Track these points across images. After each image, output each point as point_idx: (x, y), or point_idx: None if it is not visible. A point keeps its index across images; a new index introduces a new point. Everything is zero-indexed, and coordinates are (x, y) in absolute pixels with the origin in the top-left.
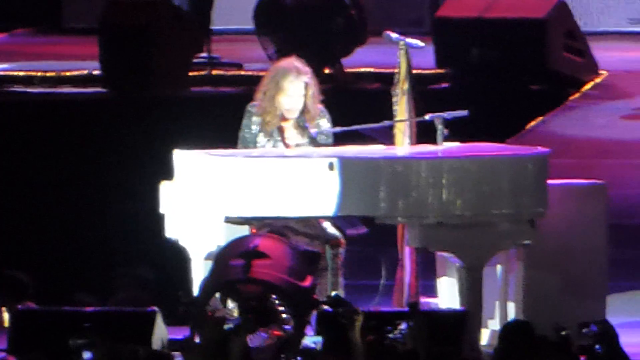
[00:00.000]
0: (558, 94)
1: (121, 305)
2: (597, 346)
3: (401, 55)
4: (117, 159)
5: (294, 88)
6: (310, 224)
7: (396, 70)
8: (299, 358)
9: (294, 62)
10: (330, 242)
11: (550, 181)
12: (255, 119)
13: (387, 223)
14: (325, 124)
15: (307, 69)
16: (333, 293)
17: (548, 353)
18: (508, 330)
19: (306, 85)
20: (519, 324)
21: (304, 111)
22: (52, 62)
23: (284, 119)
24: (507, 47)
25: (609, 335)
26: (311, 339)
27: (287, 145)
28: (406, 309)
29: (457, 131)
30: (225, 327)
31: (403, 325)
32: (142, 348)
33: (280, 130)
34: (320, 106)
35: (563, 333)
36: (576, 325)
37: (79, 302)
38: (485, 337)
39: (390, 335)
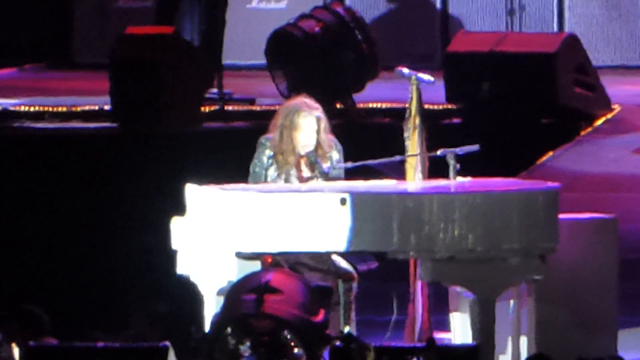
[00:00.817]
0: (569, 129)
1: (133, 341)
2: None
3: (413, 90)
4: (129, 194)
5: (308, 123)
6: (322, 258)
7: (407, 105)
8: None
9: (302, 99)
10: (343, 277)
11: (560, 216)
12: (267, 152)
13: (399, 258)
14: (336, 155)
15: (317, 105)
16: (345, 329)
17: None
18: None
19: (318, 120)
20: (541, 357)
21: (316, 146)
22: (63, 97)
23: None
24: (518, 81)
25: None
26: None
27: (301, 180)
28: (420, 344)
29: (469, 166)
30: None
31: None
32: None
33: (296, 166)
34: (332, 137)
35: None
36: None
37: (95, 340)
38: None
39: None
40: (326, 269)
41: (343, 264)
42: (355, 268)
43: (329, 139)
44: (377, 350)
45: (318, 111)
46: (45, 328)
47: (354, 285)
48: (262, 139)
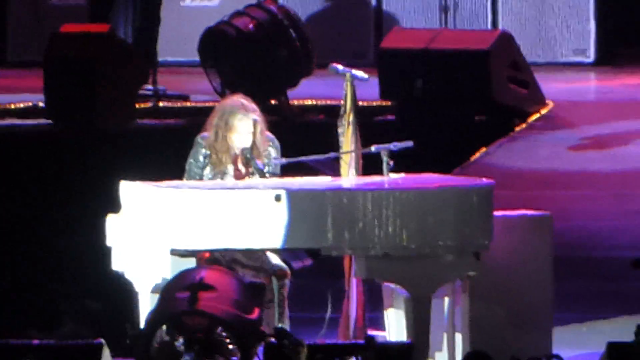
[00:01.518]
0: (503, 125)
1: (67, 339)
2: None
3: (347, 87)
4: (63, 191)
5: (243, 126)
6: (255, 256)
7: (342, 102)
8: None
9: (240, 99)
10: (276, 274)
11: (495, 212)
12: (203, 150)
13: (334, 254)
14: (273, 152)
15: (254, 106)
16: (278, 325)
17: None
18: None
19: (254, 123)
20: (479, 355)
21: (252, 147)
22: None
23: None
24: (452, 78)
25: None
26: None
27: (238, 177)
28: (354, 341)
29: (403, 163)
30: None
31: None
32: None
33: (233, 163)
34: (269, 134)
35: None
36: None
37: (29, 338)
38: None
39: None
40: (259, 266)
41: (276, 260)
42: (289, 265)
43: (265, 138)
44: (311, 348)
45: (255, 113)
46: None
47: (287, 282)
48: (198, 138)
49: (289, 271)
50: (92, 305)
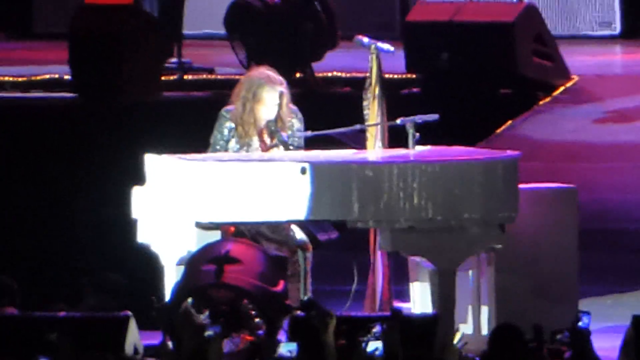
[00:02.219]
0: (527, 98)
1: (91, 311)
2: (567, 353)
3: (372, 59)
4: (88, 163)
5: (271, 98)
6: (279, 229)
7: (367, 75)
8: None
9: (266, 71)
10: (300, 247)
11: (520, 185)
12: (228, 124)
13: (359, 227)
14: (297, 123)
15: (280, 78)
16: (306, 297)
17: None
18: (499, 334)
19: (281, 95)
20: (509, 328)
21: (276, 119)
22: (23, 67)
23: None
24: (476, 51)
25: (582, 341)
26: (286, 347)
27: (264, 149)
28: (379, 313)
29: (428, 135)
30: (206, 333)
31: (377, 329)
32: (112, 355)
33: (259, 135)
34: (292, 106)
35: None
36: (550, 332)
37: (58, 311)
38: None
39: (365, 340)
40: (282, 239)
41: (298, 234)
42: (312, 238)
43: (290, 110)
44: (337, 319)
45: (282, 86)
46: (14, 297)
47: (309, 255)
48: (223, 111)
49: (310, 245)
50: (116, 278)
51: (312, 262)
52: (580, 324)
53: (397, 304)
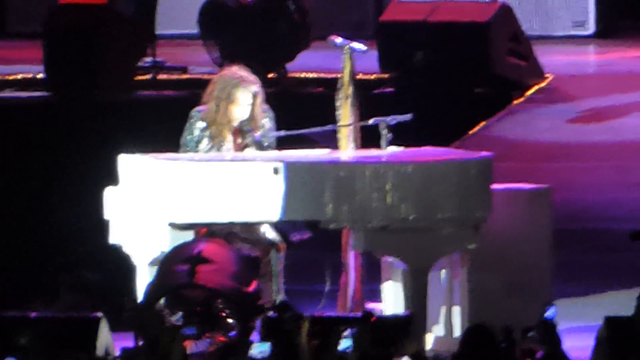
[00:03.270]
0: (502, 98)
1: (65, 311)
2: (540, 352)
3: (345, 59)
4: (61, 163)
5: (245, 98)
6: (252, 228)
7: (340, 75)
8: None
9: (240, 72)
10: (272, 247)
11: (494, 185)
12: (199, 124)
13: (332, 228)
14: (268, 123)
15: (254, 78)
16: (279, 298)
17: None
18: (470, 335)
19: (254, 95)
20: (481, 329)
21: (249, 118)
22: None
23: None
24: (451, 50)
25: (550, 332)
26: (259, 348)
27: (235, 149)
28: (352, 314)
29: (402, 135)
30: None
31: (348, 332)
32: (84, 355)
33: (233, 135)
34: (264, 105)
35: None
36: (521, 330)
37: (32, 310)
38: (430, 342)
39: (341, 344)
40: (255, 239)
41: (270, 234)
42: (288, 238)
43: (262, 110)
44: (310, 320)
45: (256, 86)
46: None
47: (282, 255)
48: (193, 112)
49: (283, 245)
50: (90, 276)
51: (285, 262)
52: (546, 314)
53: (370, 305)
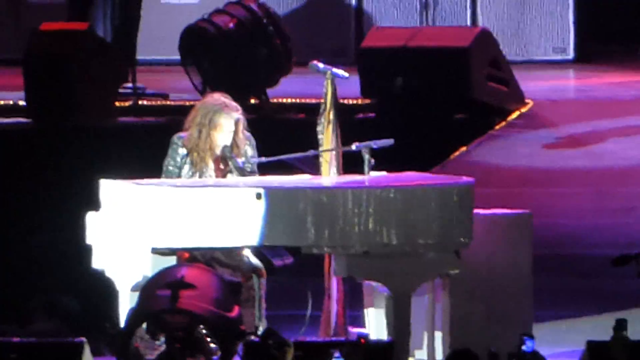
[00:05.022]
0: (482, 123)
1: (45, 335)
2: None
3: (327, 84)
4: (43, 189)
5: (227, 124)
6: (233, 254)
7: (322, 100)
8: None
9: (222, 98)
10: (254, 273)
11: (475, 211)
12: (181, 150)
13: (314, 252)
14: (250, 150)
15: (236, 105)
16: (261, 324)
17: None
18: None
19: (237, 121)
20: (465, 353)
21: (231, 145)
22: None
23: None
24: (431, 76)
25: None
26: None
27: (217, 175)
28: (335, 338)
29: (383, 160)
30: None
31: (337, 355)
32: None
33: (215, 162)
34: (245, 132)
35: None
36: (506, 355)
37: (5, 333)
38: None
39: None
40: (236, 264)
41: (253, 259)
42: (270, 263)
43: (244, 139)
44: (294, 345)
45: (238, 112)
46: None
47: (264, 281)
48: (175, 138)
49: (265, 270)
50: (68, 301)
51: (266, 288)
52: (524, 347)
53: (353, 330)
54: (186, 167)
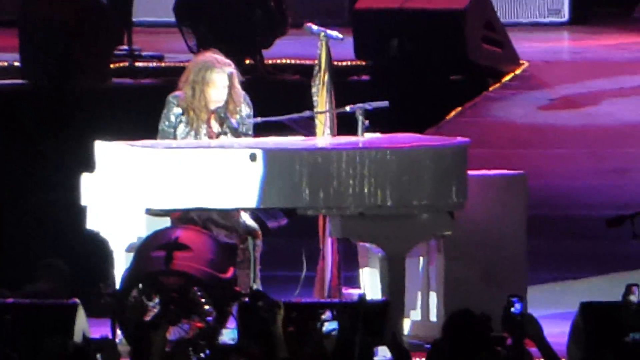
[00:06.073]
0: (477, 85)
1: (37, 296)
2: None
3: (321, 46)
4: (38, 150)
5: (220, 79)
6: (228, 216)
7: (316, 62)
8: (207, 352)
9: (213, 55)
10: (250, 234)
11: (469, 172)
12: (176, 109)
13: (309, 214)
14: (245, 109)
15: (228, 60)
16: (253, 287)
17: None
18: (454, 320)
19: (230, 76)
20: (465, 314)
21: (226, 102)
22: None
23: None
24: (426, 38)
25: (516, 328)
26: (231, 334)
27: (211, 136)
28: (328, 300)
29: (378, 122)
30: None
31: (327, 315)
32: (63, 340)
33: (207, 122)
34: (241, 91)
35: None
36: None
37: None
38: (407, 327)
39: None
40: (232, 226)
41: (248, 222)
42: (265, 224)
43: (239, 94)
44: (286, 306)
45: (230, 67)
46: None
47: (259, 243)
48: (170, 97)
49: (260, 232)
50: (59, 264)
51: (262, 249)
52: (512, 309)
53: (347, 290)
54: (181, 126)
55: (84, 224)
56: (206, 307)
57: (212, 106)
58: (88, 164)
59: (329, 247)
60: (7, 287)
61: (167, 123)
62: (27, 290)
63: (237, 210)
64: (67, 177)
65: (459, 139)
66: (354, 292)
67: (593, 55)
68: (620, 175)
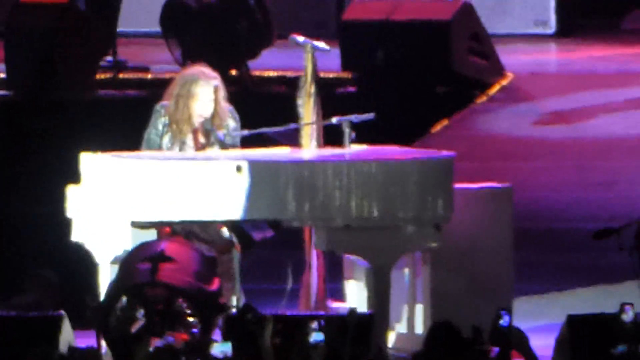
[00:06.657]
0: (463, 97)
1: (25, 308)
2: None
3: (307, 58)
4: (23, 162)
5: (205, 93)
6: (209, 228)
7: (302, 74)
8: None
9: (200, 68)
10: (229, 247)
11: (456, 185)
12: (163, 119)
13: (294, 226)
14: (232, 123)
15: (214, 74)
16: (241, 300)
17: (472, 355)
18: (435, 332)
19: (215, 89)
20: (446, 326)
21: (212, 115)
22: None
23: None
24: (413, 49)
25: (503, 340)
26: (220, 347)
27: (197, 148)
28: (315, 312)
29: (364, 134)
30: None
31: (314, 325)
32: (48, 352)
33: (193, 134)
34: (229, 106)
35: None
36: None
37: None
38: (391, 339)
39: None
40: (212, 238)
41: (226, 233)
42: (250, 236)
43: (226, 108)
44: (273, 318)
45: (216, 80)
46: None
47: (237, 255)
48: (158, 106)
49: (238, 244)
50: (49, 275)
51: (241, 262)
52: (500, 322)
53: (332, 303)
54: (167, 137)
55: (70, 235)
56: (191, 319)
57: (197, 120)
58: (74, 176)
59: (314, 260)
60: None
61: (154, 131)
62: (14, 302)
63: (223, 222)
64: (52, 189)
65: (445, 152)
66: (340, 305)
67: (580, 67)
68: (607, 189)
